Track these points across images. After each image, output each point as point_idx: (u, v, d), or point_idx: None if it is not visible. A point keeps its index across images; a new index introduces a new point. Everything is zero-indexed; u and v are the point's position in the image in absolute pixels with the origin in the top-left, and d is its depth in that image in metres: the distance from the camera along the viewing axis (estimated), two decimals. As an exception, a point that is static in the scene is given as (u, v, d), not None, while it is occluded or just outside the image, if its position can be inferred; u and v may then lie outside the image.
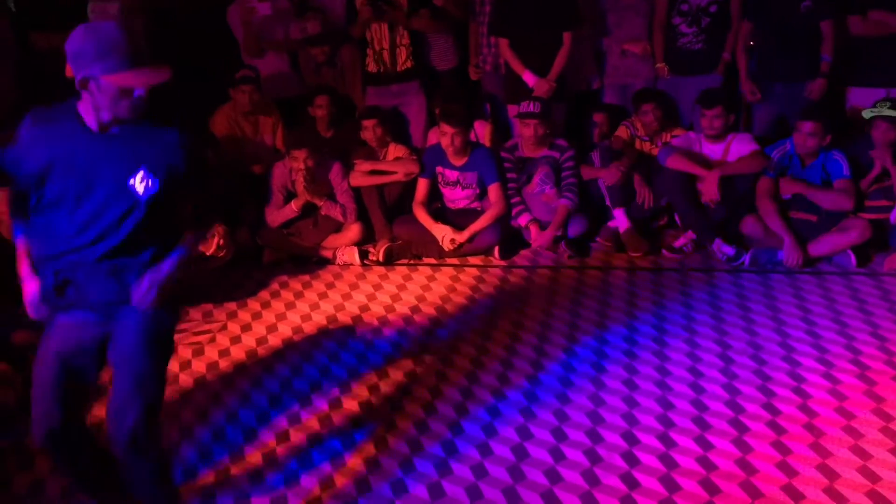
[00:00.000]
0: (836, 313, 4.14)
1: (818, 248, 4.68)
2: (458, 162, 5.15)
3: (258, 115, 5.56)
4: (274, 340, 4.28)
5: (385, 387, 3.78)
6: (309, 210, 5.19)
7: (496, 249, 5.08)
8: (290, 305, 4.65)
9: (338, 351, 4.13)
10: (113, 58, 2.29)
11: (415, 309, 4.51)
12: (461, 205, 5.28)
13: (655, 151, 5.20)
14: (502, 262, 5.04)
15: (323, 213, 5.20)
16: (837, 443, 3.17)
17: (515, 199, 5.17)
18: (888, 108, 4.69)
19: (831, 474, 3.00)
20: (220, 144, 5.26)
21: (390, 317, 4.45)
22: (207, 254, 4.44)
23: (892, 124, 4.67)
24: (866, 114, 4.79)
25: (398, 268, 5.04)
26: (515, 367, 3.85)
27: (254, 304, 4.68)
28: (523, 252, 5.15)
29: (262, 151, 5.57)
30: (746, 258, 4.75)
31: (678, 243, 4.99)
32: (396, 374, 3.87)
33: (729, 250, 4.79)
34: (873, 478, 2.96)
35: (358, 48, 5.78)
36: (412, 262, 5.11)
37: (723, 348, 3.89)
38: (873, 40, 5.03)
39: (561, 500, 2.96)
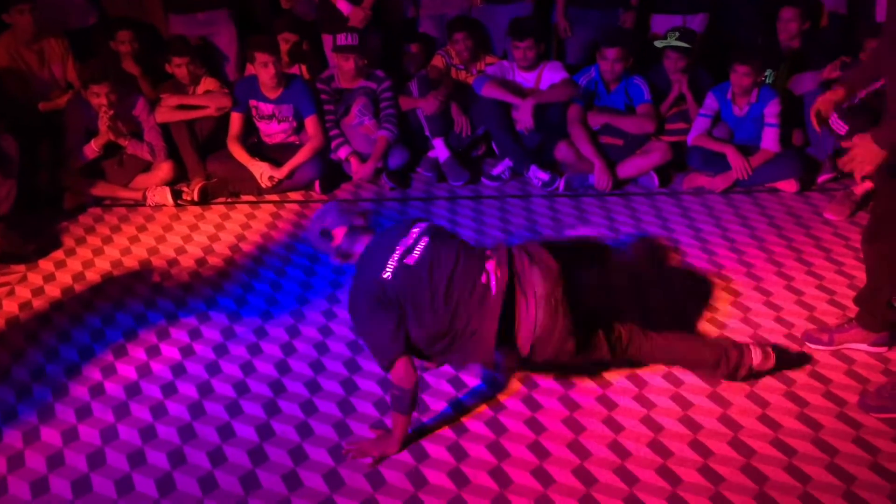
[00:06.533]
0: (641, 231, 4.40)
1: (625, 170, 4.92)
2: (273, 94, 4.97)
3: (43, 43, 5.06)
4: (82, 289, 4.02)
5: (208, 331, 3.65)
6: (113, 149, 4.86)
7: (317, 184, 4.98)
8: (97, 251, 4.37)
9: (153, 297, 3.94)
10: None
11: (235, 248, 4.37)
12: (278, 139, 5.12)
13: (471, 80, 5.24)
14: (324, 197, 4.95)
15: (129, 152, 4.88)
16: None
17: (334, 132, 5.07)
18: (676, 38, 4.96)
19: (640, 382, 3.22)
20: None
21: (209, 258, 4.28)
22: None
23: (682, 53, 4.95)
24: (658, 44, 5.05)
25: (215, 207, 4.84)
26: (341, 302, 3.83)
27: (57, 253, 4.36)
28: (345, 185, 5.08)
29: (52, 84, 5.11)
30: (560, 183, 4.93)
31: (496, 171, 5.09)
32: (219, 318, 3.75)
33: (544, 176, 4.95)
34: (677, 382, 3.20)
35: None
36: (229, 200, 4.92)
37: (540, 271, 4.04)
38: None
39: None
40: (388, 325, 2.78)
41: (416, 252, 2.87)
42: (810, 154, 4.94)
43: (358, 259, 2.98)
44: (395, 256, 2.85)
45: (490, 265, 2.88)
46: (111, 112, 4.71)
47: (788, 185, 4.77)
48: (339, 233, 3.00)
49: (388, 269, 2.82)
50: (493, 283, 2.84)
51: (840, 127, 4.61)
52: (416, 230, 2.96)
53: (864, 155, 2.74)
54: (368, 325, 2.82)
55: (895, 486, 2.71)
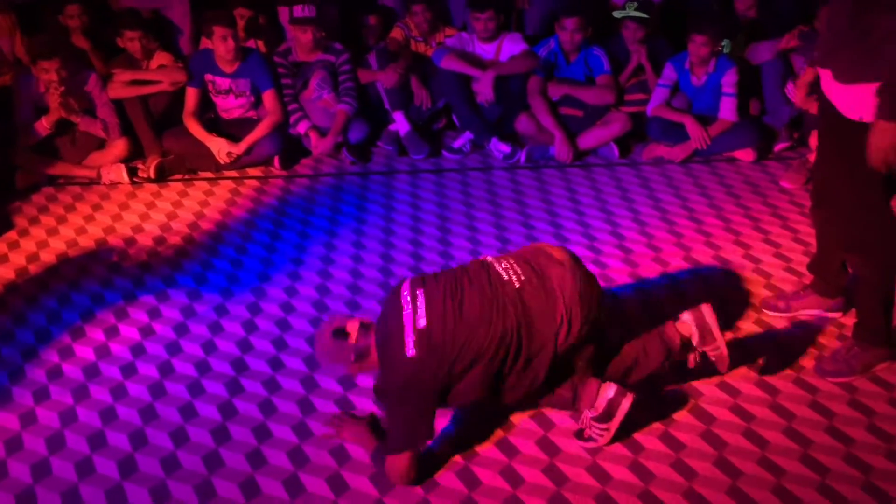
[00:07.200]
0: (602, 202, 4.43)
1: (585, 141, 4.94)
2: (230, 69, 4.88)
3: None
4: (36, 270, 3.94)
5: (167, 310, 3.61)
6: (65, 126, 4.74)
7: (276, 159, 4.92)
8: (52, 231, 4.28)
9: (110, 276, 3.87)
10: None
11: (193, 226, 4.30)
12: (236, 114, 5.04)
13: (431, 52, 5.20)
14: (284, 172, 4.90)
15: (81, 129, 4.77)
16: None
17: (293, 106, 5.00)
18: (635, 8, 4.96)
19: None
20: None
21: (167, 236, 4.22)
22: None
23: (640, 24, 4.96)
24: (616, 14, 5.05)
25: (172, 184, 4.76)
26: (303, 278, 3.81)
27: (9, 234, 4.26)
28: (304, 160, 5.03)
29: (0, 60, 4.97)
30: (522, 155, 4.92)
31: (457, 144, 5.08)
32: (178, 297, 3.70)
33: (505, 148, 4.94)
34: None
35: None
36: (187, 177, 4.84)
37: (503, 243, 4.05)
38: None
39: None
40: (418, 426, 2.60)
41: (420, 309, 2.60)
42: (767, 123, 4.99)
43: (377, 354, 2.71)
44: (409, 330, 2.57)
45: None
46: (62, 88, 4.59)
47: (746, 154, 4.82)
48: (353, 328, 2.71)
49: (410, 347, 2.55)
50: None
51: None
52: (405, 293, 2.67)
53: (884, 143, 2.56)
54: (395, 408, 2.64)
55: (850, 448, 2.77)
